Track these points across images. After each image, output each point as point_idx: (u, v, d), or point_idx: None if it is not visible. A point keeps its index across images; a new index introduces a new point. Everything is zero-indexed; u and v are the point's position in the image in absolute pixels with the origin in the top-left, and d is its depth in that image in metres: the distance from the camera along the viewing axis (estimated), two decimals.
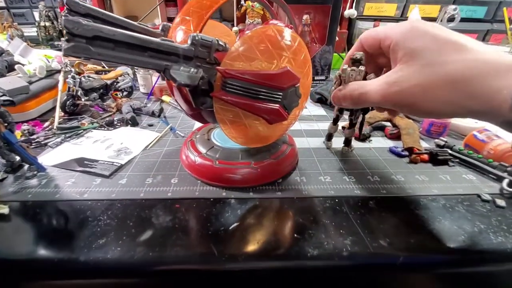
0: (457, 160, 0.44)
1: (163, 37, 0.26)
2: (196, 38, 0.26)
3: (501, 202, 0.35)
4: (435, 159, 0.43)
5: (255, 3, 1.20)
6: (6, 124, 0.35)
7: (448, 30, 0.25)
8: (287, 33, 0.30)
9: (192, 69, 0.28)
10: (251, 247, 0.29)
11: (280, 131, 0.36)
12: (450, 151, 0.44)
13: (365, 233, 0.30)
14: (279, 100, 0.31)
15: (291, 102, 0.32)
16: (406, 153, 0.45)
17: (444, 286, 0.30)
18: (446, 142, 0.45)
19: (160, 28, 0.34)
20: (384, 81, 0.27)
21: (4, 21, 1.04)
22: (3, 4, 1.64)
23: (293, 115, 0.35)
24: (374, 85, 0.28)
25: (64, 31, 0.20)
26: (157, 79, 0.69)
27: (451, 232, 0.31)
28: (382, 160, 0.45)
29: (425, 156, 0.44)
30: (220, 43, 0.28)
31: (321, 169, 0.42)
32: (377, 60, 0.34)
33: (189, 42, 0.27)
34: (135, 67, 0.75)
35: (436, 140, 0.47)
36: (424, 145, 0.49)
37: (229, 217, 0.33)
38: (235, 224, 0.31)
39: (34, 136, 0.48)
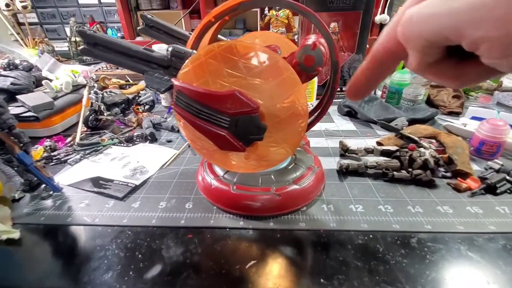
0: None
1: (145, 47, 0.29)
2: (169, 49, 0.29)
3: None
4: (491, 188, 0.36)
5: (280, 12, 1.18)
6: (21, 145, 0.35)
7: None
8: (258, 51, 0.26)
9: (166, 77, 0.30)
10: None
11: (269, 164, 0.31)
12: (507, 177, 0.37)
13: (407, 282, 0.25)
14: (226, 126, 0.26)
15: (246, 133, 0.27)
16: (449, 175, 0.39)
17: None
18: (502, 165, 0.39)
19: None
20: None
21: (36, 37, 1.10)
22: (36, 20, 1.75)
23: (278, 146, 0.29)
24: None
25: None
26: None
27: None
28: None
29: (473, 184, 0.37)
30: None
31: (351, 196, 0.37)
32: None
33: (166, 52, 0.29)
34: None
35: (489, 162, 0.40)
36: (475, 167, 0.42)
37: (246, 252, 0.29)
38: (252, 262, 0.28)
39: (55, 153, 0.48)
